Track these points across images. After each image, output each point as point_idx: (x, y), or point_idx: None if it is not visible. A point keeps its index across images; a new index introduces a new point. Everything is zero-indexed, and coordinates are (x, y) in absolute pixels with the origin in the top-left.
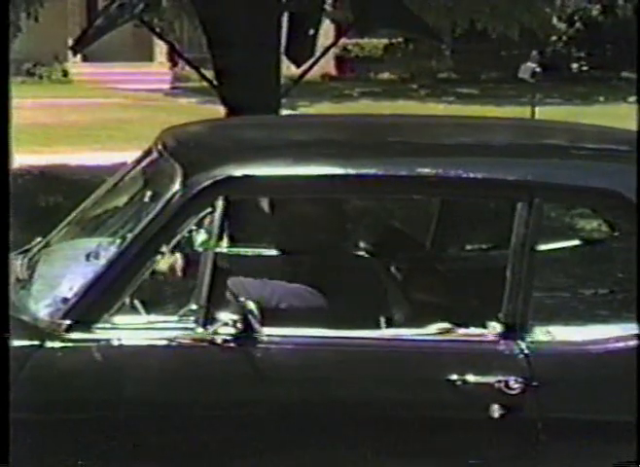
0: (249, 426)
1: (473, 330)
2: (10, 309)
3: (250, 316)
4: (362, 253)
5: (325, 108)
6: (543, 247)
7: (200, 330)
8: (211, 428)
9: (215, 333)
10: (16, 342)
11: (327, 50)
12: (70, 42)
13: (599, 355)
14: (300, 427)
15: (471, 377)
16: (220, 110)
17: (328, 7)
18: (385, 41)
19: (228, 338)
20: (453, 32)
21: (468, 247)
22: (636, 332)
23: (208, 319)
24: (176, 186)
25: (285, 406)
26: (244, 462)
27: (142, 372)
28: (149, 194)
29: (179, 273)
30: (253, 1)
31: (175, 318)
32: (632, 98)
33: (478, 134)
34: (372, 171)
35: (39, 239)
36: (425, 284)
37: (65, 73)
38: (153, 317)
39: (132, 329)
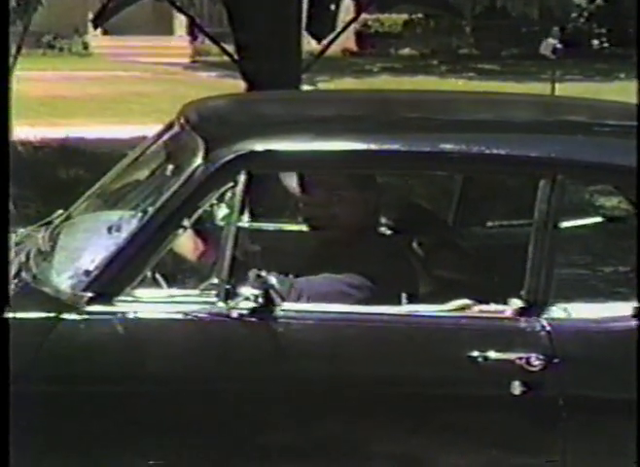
0: (269, 401)
1: (494, 306)
2: (32, 281)
3: (271, 291)
4: (384, 229)
5: (345, 83)
6: (565, 224)
7: (221, 304)
8: (231, 403)
9: (236, 307)
10: (37, 315)
11: (347, 25)
12: (90, 15)
13: (620, 332)
14: (319, 403)
15: (492, 354)
16: (240, 84)
17: None
18: (405, 16)
19: (249, 312)
20: (473, 9)
21: (490, 224)
22: None
23: (229, 293)
24: (198, 160)
25: (305, 381)
26: (263, 437)
27: (163, 345)
28: (171, 167)
29: (200, 247)
30: None
31: (196, 292)
32: None
33: (500, 111)
34: (394, 147)
35: (60, 212)
36: (447, 261)
37: (85, 46)
38: (174, 291)
39: (154, 302)
